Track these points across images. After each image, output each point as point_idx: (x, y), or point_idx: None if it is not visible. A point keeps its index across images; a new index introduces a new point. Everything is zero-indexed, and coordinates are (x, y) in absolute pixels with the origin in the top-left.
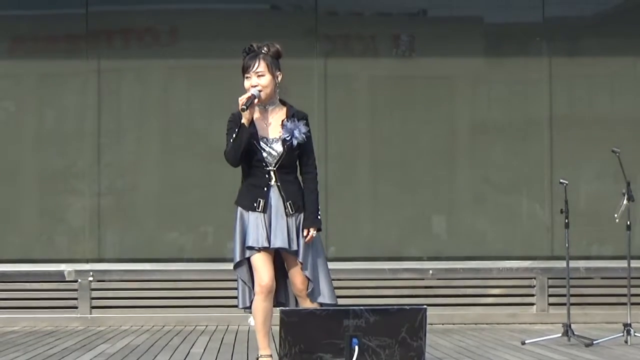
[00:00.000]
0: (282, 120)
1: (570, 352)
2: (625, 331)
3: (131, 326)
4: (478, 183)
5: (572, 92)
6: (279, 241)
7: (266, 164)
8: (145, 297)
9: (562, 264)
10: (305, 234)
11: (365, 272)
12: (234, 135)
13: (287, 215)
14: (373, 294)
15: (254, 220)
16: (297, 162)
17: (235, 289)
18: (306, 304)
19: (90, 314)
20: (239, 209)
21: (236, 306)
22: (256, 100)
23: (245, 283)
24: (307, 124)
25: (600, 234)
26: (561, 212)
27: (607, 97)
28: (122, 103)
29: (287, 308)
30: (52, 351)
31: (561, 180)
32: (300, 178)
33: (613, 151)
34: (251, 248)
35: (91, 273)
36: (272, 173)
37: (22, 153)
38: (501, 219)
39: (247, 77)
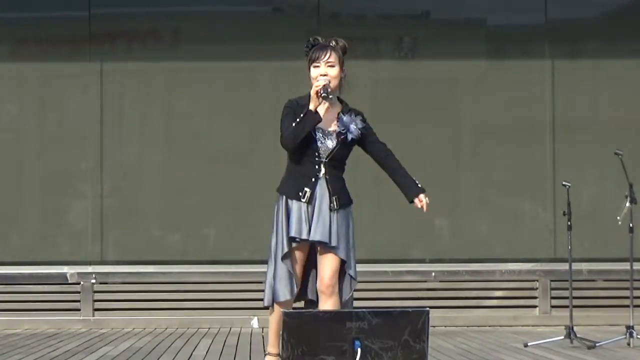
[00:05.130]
0: (338, 114)
1: (572, 354)
2: (627, 333)
3: (134, 328)
4: (481, 185)
5: (574, 94)
6: (319, 234)
7: (318, 155)
8: (147, 300)
9: (564, 266)
10: (418, 201)
11: (367, 275)
12: (298, 120)
13: (330, 209)
14: (376, 296)
15: (297, 211)
16: (346, 159)
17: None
18: (328, 303)
19: (93, 316)
20: (283, 197)
21: (239, 308)
22: (329, 90)
23: (291, 272)
24: (364, 120)
25: (603, 236)
26: (564, 214)
27: (610, 99)
28: (125, 105)
29: (290, 310)
30: (55, 353)
31: (564, 183)
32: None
33: (616, 153)
34: (293, 239)
35: (94, 275)
36: (322, 165)
37: (25, 155)
38: (504, 221)
39: (315, 66)
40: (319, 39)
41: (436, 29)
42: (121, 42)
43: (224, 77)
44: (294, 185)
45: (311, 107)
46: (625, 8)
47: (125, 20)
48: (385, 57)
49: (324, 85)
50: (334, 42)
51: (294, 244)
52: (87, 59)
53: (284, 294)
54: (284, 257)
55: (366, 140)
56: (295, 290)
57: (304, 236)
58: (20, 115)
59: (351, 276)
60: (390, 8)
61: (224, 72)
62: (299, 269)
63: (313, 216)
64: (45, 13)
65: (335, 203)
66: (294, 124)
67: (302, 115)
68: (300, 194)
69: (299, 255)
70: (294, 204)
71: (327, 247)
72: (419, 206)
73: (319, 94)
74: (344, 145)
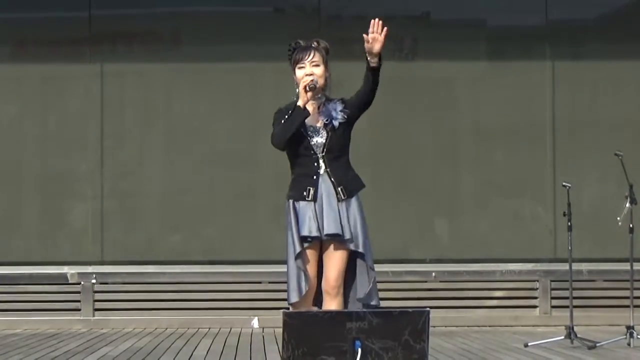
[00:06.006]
0: (319, 108)
1: (573, 354)
2: (628, 334)
3: (134, 329)
4: (481, 186)
5: (575, 95)
6: (332, 227)
7: (314, 152)
8: (148, 300)
9: (564, 266)
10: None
11: None
12: (287, 117)
13: (338, 200)
14: None
15: (305, 210)
16: (347, 145)
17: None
18: (332, 304)
19: (93, 316)
20: (290, 201)
21: (239, 308)
22: (317, 86)
23: (303, 271)
24: (343, 102)
25: (603, 236)
26: (564, 214)
27: (610, 100)
28: (125, 106)
29: (291, 310)
30: (55, 354)
31: (564, 183)
32: (350, 163)
33: (616, 154)
34: (305, 238)
35: (94, 275)
36: (320, 160)
37: (25, 156)
38: (504, 221)
39: (300, 67)
40: (300, 42)
41: (436, 30)
42: (121, 43)
43: (224, 77)
44: (298, 187)
45: (299, 103)
46: (626, 9)
47: (125, 21)
48: (386, 58)
49: (312, 80)
50: (315, 43)
51: (306, 244)
52: (87, 60)
53: (294, 296)
54: (297, 257)
55: (354, 112)
56: (304, 290)
57: (315, 233)
58: (21, 116)
59: (370, 267)
60: (390, 9)
61: (224, 72)
62: (312, 269)
63: (322, 213)
64: (46, 14)
65: (342, 193)
66: (282, 121)
67: (290, 112)
68: (305, 193)
69: (311, 255)
70: (300, 205)
71: (338, 241)
72: (372, 35)
73: (308, 88)
74: (335, 133)
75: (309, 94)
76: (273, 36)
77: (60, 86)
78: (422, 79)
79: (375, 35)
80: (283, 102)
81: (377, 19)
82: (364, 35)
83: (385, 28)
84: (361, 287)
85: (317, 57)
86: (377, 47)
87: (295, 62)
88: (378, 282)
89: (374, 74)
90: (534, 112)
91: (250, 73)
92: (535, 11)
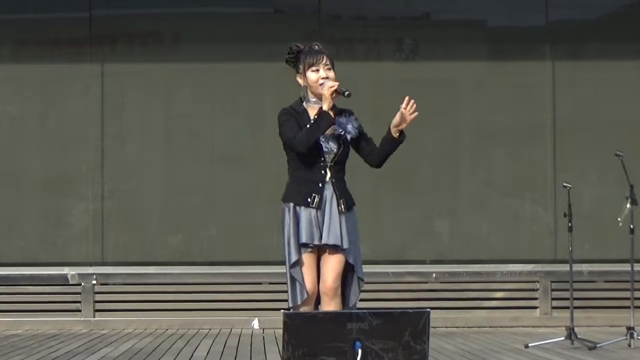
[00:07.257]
0: (334, 117)
1: (573, 355)
2: (628, 334)
3: (134, 329)
4: (481, 186)
5: (575, 96)
6: (332, 238)
7: (324, 160)
8: (148, 300)
9: (565, 267)
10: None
11: (368, 276)
12: (312, 121)
13: (339, 212)
14: (376, 297)
15: (307, 217)
16: (346, 161)
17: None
18: (330, 305)
19: (94, 317)
20: (290, 204)
21: (240, 309)
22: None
23: (300, 282)
24: (356, 119)
25: (604, 237)
26: (564, 215)
27: (611, 101)
28: (126, 106)
29: (291, 311)
30: (56, 354)
31: (564, 184)
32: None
33: (616, 155)
34: (305, 245)
35: (94, 276)
36: (328, 169)
37: (25, 156)
38: (504, 222)
39: (314, 70)
40: (299, 45)
41: (437, 31)
42: (122, 44)
43: (224, 78)
44: (301, 191)
45: (325, 107)
46: (626, 9)
47: (126, 21)
48: (386, 59)
49: (339, 85)
50: (317, 46)
51: (306, 250)
52: (87, 60)
53: (294, 301)
54: (294, 265)
55: (362, 138)
56: (304, 296)
57: (316, 242)
58: (21, 117)
59: (360, 278)
60: (391, 9)
61: (224, 73)
62: (311, 274)
63: (323, 221)
64: (46, 14)
65: (343, 206)
66: (308, 126)
67: (315, 116)
68: (309, 199)
69: (310, 261)
70: (302, 211)
71: (337, 249)
72: (403, 112)
73: (338, 92)
74: (346, 146)
75: (329, 100)
76: (273, 36)
77: (60, 86)
78: (422, 79)
79: (406, 113)
80: (283, 103)
81: (412, 100)
82: (402, 110)
83: (416, 114)
84: (353, 295)
85: (329, 61)
86: (403, 125)
87: (307, 66)
88: (378, 282)
89: (393, 145)
90: (534, 112)
91: (250, 73)
92: (535, 11)
